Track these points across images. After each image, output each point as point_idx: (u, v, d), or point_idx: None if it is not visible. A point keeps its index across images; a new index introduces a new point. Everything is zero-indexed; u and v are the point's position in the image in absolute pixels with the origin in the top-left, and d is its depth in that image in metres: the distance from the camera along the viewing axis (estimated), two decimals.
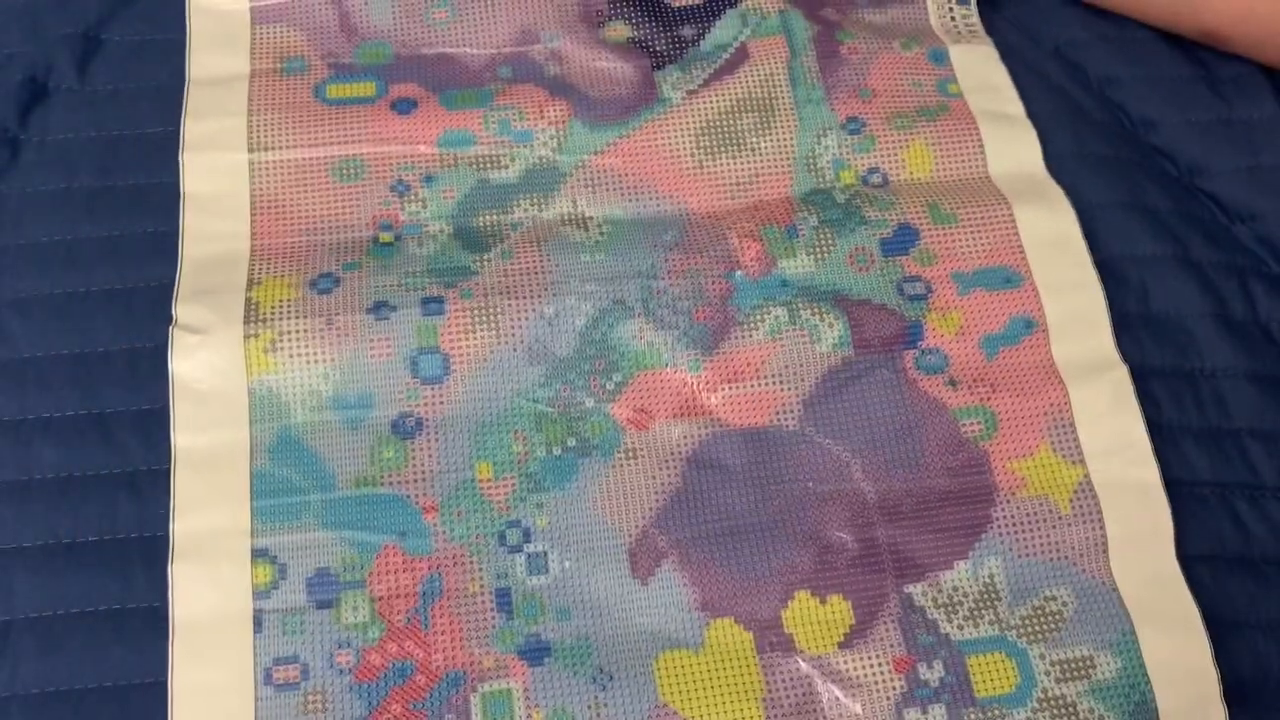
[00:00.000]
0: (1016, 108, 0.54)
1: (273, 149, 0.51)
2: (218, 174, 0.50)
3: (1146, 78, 0.56)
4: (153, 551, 0.43)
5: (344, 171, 0.51)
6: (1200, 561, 0.45)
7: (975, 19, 0.57)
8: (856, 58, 0.54)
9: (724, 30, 0.55)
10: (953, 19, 0.57)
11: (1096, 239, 0.51)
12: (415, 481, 0.44)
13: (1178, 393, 0.48)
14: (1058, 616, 0.43)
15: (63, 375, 0.46)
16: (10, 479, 0.45)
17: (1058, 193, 0.51)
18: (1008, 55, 0.56)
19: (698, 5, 0.56)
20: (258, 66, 0.53)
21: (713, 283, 0.49)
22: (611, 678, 0.41)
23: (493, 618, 0.42)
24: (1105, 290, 0.49)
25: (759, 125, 0.53)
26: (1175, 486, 0.46)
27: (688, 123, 0.52)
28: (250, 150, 0.51)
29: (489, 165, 0.51)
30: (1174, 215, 0.53)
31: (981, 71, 0.55)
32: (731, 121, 0.53)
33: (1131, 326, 0.50)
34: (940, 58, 0.55)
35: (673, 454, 0.45)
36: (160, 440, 0.45)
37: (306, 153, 0.51)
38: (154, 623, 0.42)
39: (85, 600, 0.43)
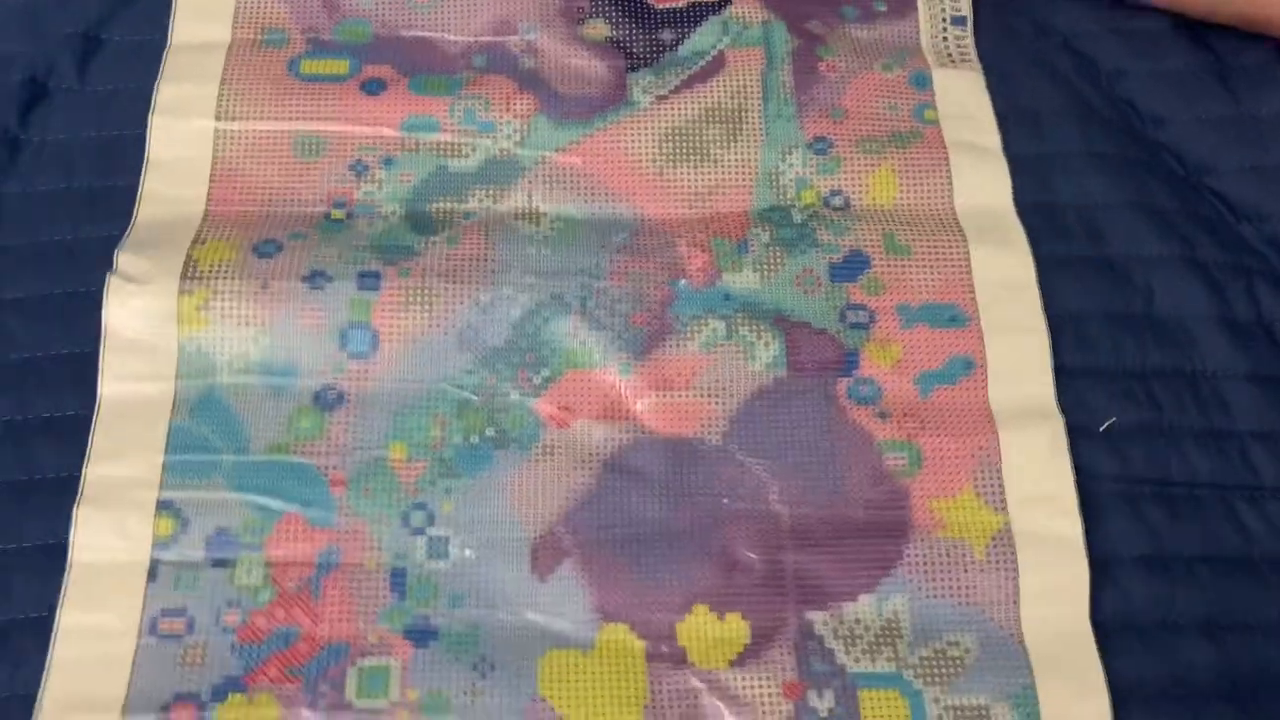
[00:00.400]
0: (992, 140, 0.53)
1: (239, 119, 0.52)
2: (183, 139, 0.51)
3: (1156, 71, 0.55)
4: None
5: (306, 147, 0.52)
6: (1200, 562, 0.45)
7: (969, 41, 0.56)
8: (834, 75, 0.54)
9: (704, 37, 0.55)
10: (945, 39, 0.56)
11: (1102, 238, 0.51)
12: (328, 454, 0.45)
13: (1179, 394, 0.48)
14: (958, 662, 0.42)
15: (63, 375, 0.47)
16: (10, 479, 0.45)
17: (1019, 234, 0.50)
18: (1017, 47, 0.56)
19: (681, 9, 0.56)
20: (238, 36, 0.54)
21: (655, 288, 0.48)
22: (493, 667, 0.41)
23: (385, 596, 0.42)
24: (1108, 291, 0.49)
25: (725, 137, 0.52)
26: (1175, 487, 0.46)
27: (652, 128, 0.52)
28: (217, 119, 0.52)
29: (449, 153, 0.52)
30: (1181, 215, 0.52)
31: (963, 99, 0.54)
32: (697, 131, 0.52)
33: (1135, 327, 0.49)
34: (922, 81, 0.54)
35: (592, 455, 0.45)
36: None
37: (271, 125, 0.52)
38: None
39: None
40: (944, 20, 0.57)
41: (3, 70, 0.53)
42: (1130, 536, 0.45)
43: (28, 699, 0.41)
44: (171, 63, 0.53)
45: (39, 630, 0.42)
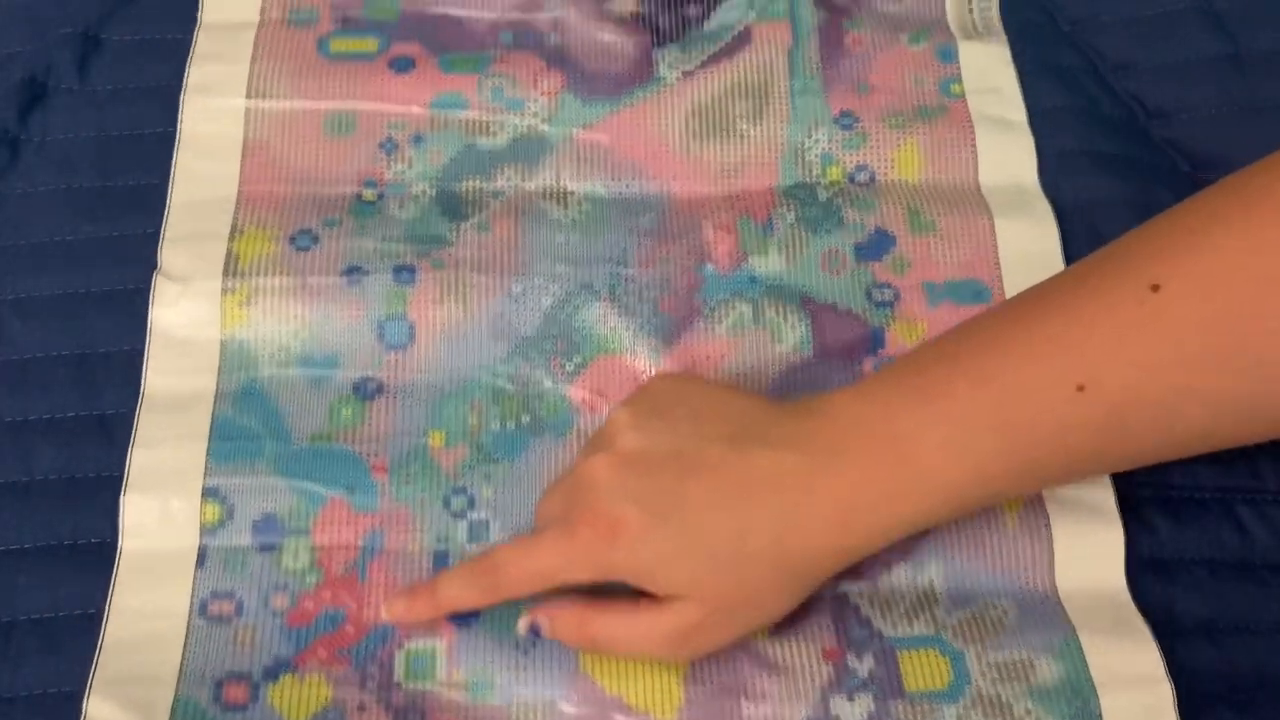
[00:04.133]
0: (1019, 113, 0.53)
1: (270, 97, 0.52)
2: (214, 117, 0.52)
3: (1164, 63, 0.54)
4: None
5: (336, 125, 0.52)
6: (1201, 565, 0.45)
7: (994, 11, 0.56)
8: (860, 50, 0.54)
9: (729, 11, 0.55)
10: (970, 10, 0.56)
11: (1103, 239, 0.49)
12: (369, 441, 0.46)
13: None
14: (998, 622, 0.43)
15: (64, 376, 0.47)
16: (11, 480, 0.45)
17: (1045, 208, 0.51)
18: (1023, 38, 0.55)
19: None
20: (267, 15, 0.54)
21: (682, 274, 0.49)
22: (535, 645, 0.42)
23: (428, 578, 0.44)
24: None
25: (751, 112, 0.53)
26: (1176, 490, 0.46)
27: (679, 104, 0.52)
28: (248, 97, 0.52)
29: (478, 131, 0.52)
30: None
31: (989, 72, 0.54)
32: (724, 106, 0.53)
33: None
34: (949, 54, 0.54)
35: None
36: None
37: (301, 104, 0.52)
38: None
39: (87, 601, 0.43)
40: None
41: (3, 70, 0.53)
42: (1131, 540, 0.45)
43: (29, 699, 0.41)
44: (201, 43, 0.53)
45: (40, 630, 0.43)
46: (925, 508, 0.40)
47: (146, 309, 0.48)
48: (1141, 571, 0.45)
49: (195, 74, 0.52)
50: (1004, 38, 0.55)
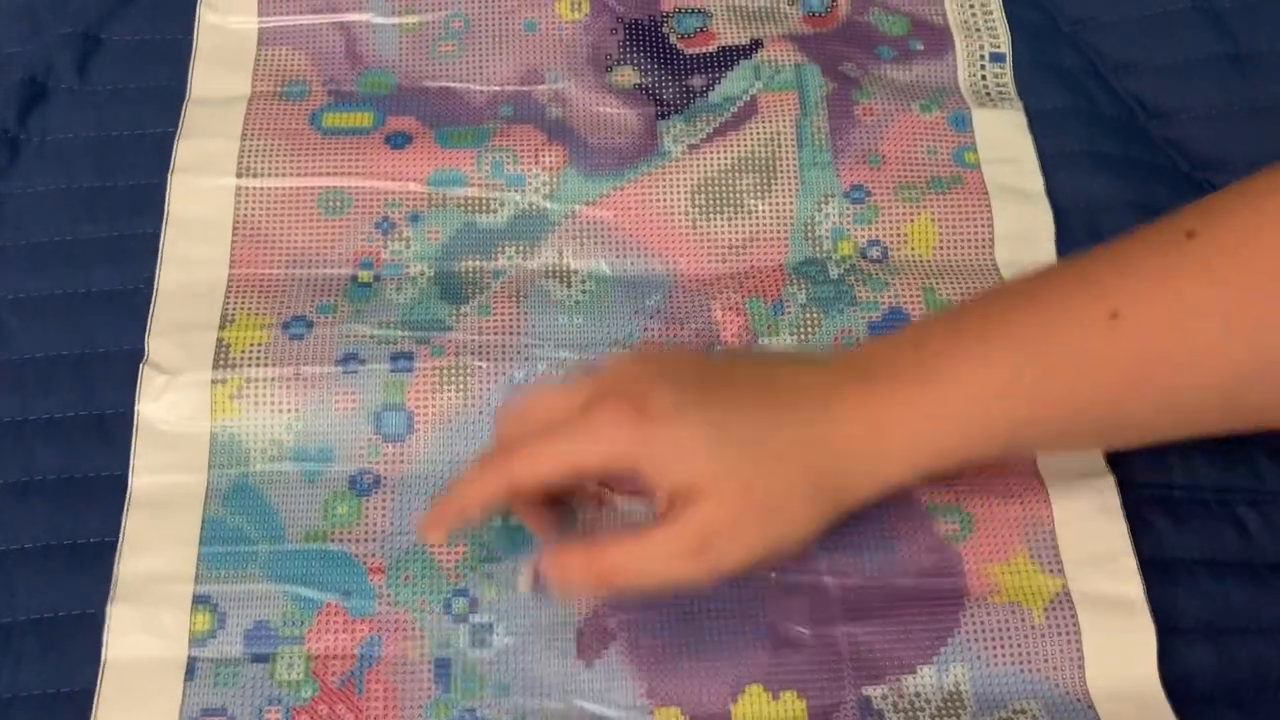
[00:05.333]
0: (1036, 184, 0.52)
1: (261, 175, 0.50)
2: (203, 198, 0.50)
3: (1164, 63, 0.54)
4: None
5: (330, 204, 0.50)
6: (1202, 565, 0.45)
7: (1008, 79, 0.54)
8: (871, 119, 0.52)
9: (735, 82, 0.53)
10: (983, 78, 0.55)
11: (1103, 240, 0.49)
12: (365, 540, 0.44)
13: None
14: None
15: (63, 376, 0.47)
16: (11, 479, 0.45)
17: None
18: (1023, 38, 0.55)
19: (711, 53, 0.54)
20: (258, 89, 0.53)
21: None
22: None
23: (430, 688, 0.41)
24: None
25: (759, 186, 0.51)
26: (1177, 491, 0.46)
27: (685, 178, 0.51)
28: (239, 175, 0.50)
29: (478, 208, 0.50)
30: None
31: (1005, 141, 0.52)
32: (731, 181, 0.51)
33: None
34: (962, 122, 0.53)
35: (633, 532, 0.44)
36: None
37: (294, 181, 0.50)
38: None
39: (87, 601, 0.43)
40: (982, 58, 0.55)
41: (3, 70, 0.53)
42: (1132, 540, 0.44)
43: (29, 699, 0.41)
44: (191, 117, 0.52)
45: (40, 630, 0.42)
46: (954, 429, 0.38)
47: (147, 309, 0.47)
48: (1142, 573, 0.44)
49: (184, 152, 0.51)
50: (1019, 104, 0.53)
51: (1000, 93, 0.54)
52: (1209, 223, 0.37)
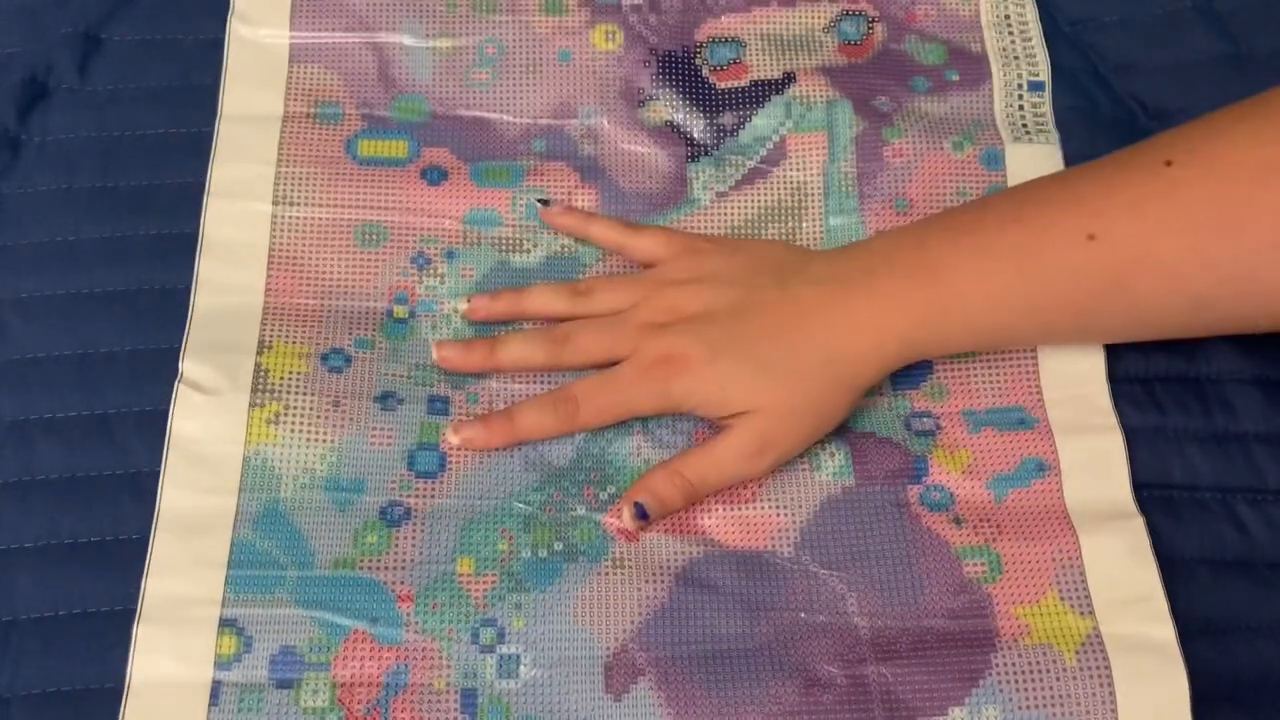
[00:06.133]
0: None
1: (297, 204, 0.50)
2: (239, 223, 0.50)
3: (1164, 63, 0.54)
4: None
5: (367, 236, 0.50)
6: (1202, 564, 0.45)
7: (1046, 108, 0.54)
8: (900, 162, 0.53)
9: (765, 120, 0.54)
10: (1020, 108, 0.54)
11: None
12: (394, 569, 0.43)
13: (1183, 399, 0.48)
14: None
15: (65, 376, 0.47)
16: (13, 479, 0.45)
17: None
18: None
19: (743, 87, 0.54)
20: (291, 109, 0.53)
21: None
22: None
23: (456, 718, 0.41)
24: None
25: (785, 235, 0.51)
26: (1177, 490, 0.46)
27: (713, 227, 0.51)
28: (275, 203, 0.50)
29: (511, 247, 0.51)
30: None
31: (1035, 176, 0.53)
32: (758, 229, 0.51)
33: None
34: (995, 160, 0.53)
35: (662, 568, 0.44)
36: (163, 441, 0.45)
37: (331, 212, 0.51)
38: None
39: (87, 601, 0.43)
40: (1020, 86, 0.55)
41: (3, 70, 0.53)
42: None
43: (28, 699, 0.41)
44: (224, 139, 0.52)
45: (40, 630, 0.42)
46: (947, 325, 0.45)
47: (149, 309, 0.48)
48: None
49: (219, 175, 0.51)
50: (1056, 136, 0.53)
51: (1038, 124, 0.54)
52: (1184, 151, 0.43)
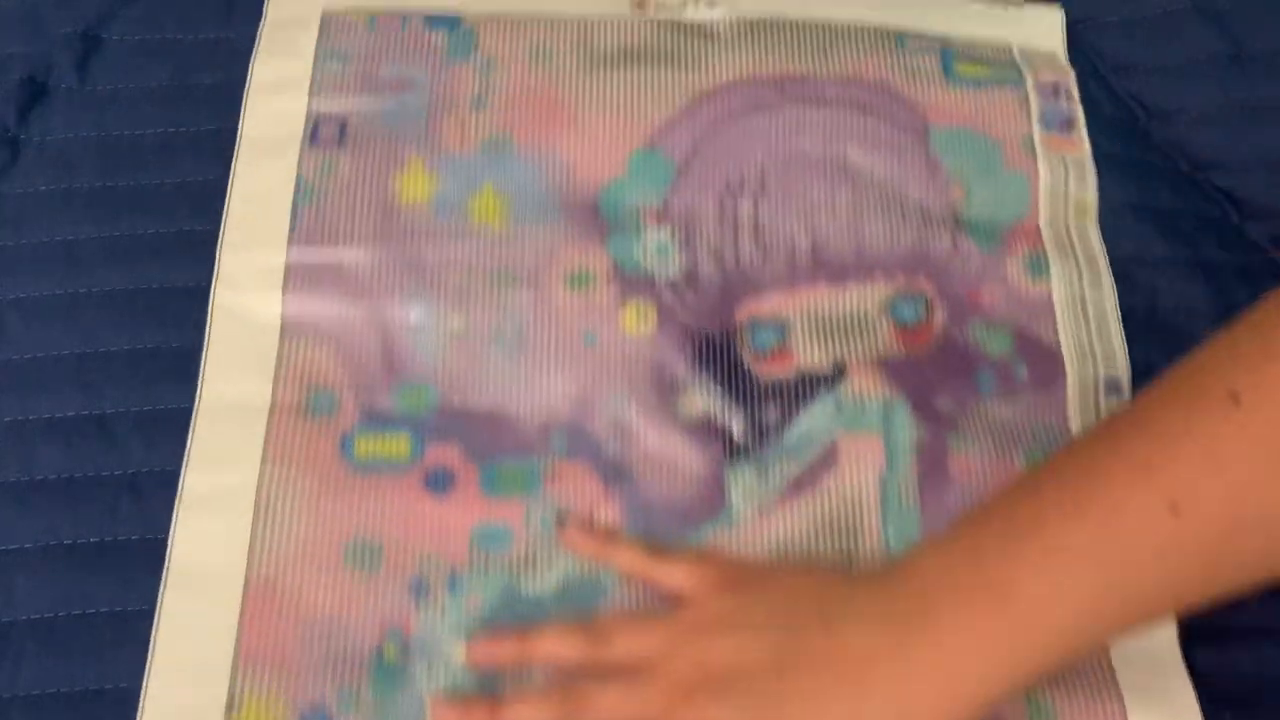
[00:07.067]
0: None
1: (281, 521, 0.45)
2: (211, 544, 0.44)
3: (1164, 63, 0.54)
4: (154, 554, 0.43)
5: (359, 556, 0.45)
6: None
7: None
8: (967, 480, 0.47)
9: (813, 419, 0.48)
10: (1098, 415, 0.48)
11: (1106, 241, 0.51)
12: None
13: None
14: None
15: (65, 376, 0.46)
16: (12, 479, 0.45)
17: (1182, 678, 0.43)
18: None
19: (789, 381, 0.48)
20: (280, 398, 0.47)
21: None
22: None
23: None
24: (1116, 293, 0.49)
25: (840, 557, 0.45)
26: None
27: (754, 547, 0.45)
28: (254, 513, 0.45)
29: (523, 567, 0.45)
30: (1185, 216, 0.51)
31: None
32: (807, 549, 0.45)
33: (1138, 330, 0.49)
34: None
35: None
36: (163, 441, 0.45)
37: (319, 530, 0.45)
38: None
39: (87, 602, 0.42)
40: (1097, 387, 0.49)
41: (3, 70, 0.53)
42: None
43: (28, 700, 0.41)
44: (202, 432, 0.46)
45: (40, 630, 0.42)
46: (1031, 657, 0.38)
47: (148, 310, 0.48)
48: None
49: (191, 481, 0.45)
50: None
51: None
52: (1250, 384, 0.36)
